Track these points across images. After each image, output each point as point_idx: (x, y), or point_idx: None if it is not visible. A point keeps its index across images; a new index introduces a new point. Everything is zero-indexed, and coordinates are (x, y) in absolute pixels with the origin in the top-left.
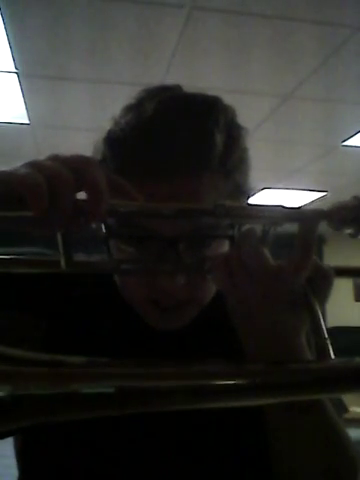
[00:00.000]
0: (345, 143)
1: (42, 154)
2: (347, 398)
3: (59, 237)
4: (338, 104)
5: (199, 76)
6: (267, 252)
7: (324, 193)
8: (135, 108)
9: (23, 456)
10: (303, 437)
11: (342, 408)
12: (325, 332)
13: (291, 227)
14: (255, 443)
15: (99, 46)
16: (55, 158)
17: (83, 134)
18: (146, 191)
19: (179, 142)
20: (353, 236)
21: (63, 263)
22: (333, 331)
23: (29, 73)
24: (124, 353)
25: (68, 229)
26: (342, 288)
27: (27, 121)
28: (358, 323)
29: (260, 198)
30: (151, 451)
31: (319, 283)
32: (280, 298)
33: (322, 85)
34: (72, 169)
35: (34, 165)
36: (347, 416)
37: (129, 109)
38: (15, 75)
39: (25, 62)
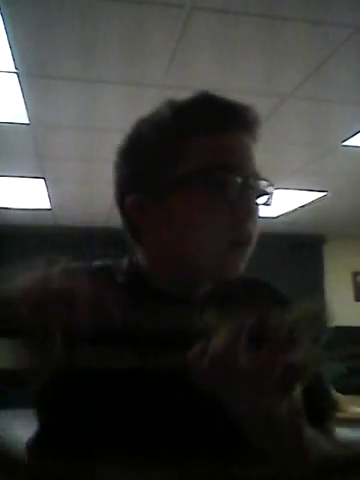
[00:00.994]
0: (345, 143)
1: (42, 154)
2: (347, 398)
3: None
4: (338, 104)
5: (199, 76)
6: (243, 348)
7: (324, 193)
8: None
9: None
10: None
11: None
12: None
13: (295, 227)
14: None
15: (99, 46)
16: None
17: (83, 134)
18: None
19: (238, 106)
20: None
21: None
22: (333, 331)
23: (29, 73)
24: (147, 325)
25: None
26: (342, 288)
27: (27, 121)
28: (358, 323)
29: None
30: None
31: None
32: (254, 387)
33: (322, 85)
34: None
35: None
36: (347, 416)
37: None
38: (15, 75)
39: (25, 62)
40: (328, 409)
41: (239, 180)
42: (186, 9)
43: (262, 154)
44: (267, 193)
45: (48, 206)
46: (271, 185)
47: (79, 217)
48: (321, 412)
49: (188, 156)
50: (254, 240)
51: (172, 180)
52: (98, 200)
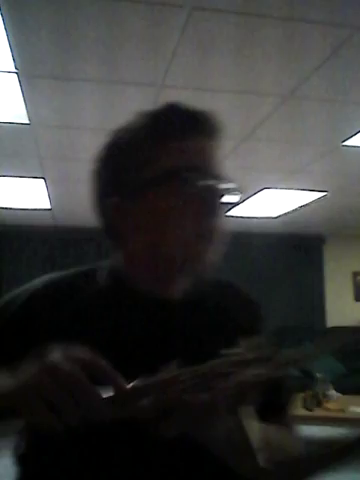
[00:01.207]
0: (345, 143)
1: (42, 154)
2: (347, 398)
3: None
4: (338, 104)
5: (199, 76)
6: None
7: (324, 193)
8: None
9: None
10: None
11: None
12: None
13: (295, 227)
14: None
15: (100, 46)
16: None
17: (83, 134)
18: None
19: (199, 114)
20: None
21: None
22: (333, 331)
23: (29, 73)
24: (132, 328)
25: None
26: (342, 288)
27: (27, 121)
28: (358, 323)
29: (260, 198)
30: None
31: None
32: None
33: (322, 85)
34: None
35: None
36: (347, 416)
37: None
38: (15, 75)
39: (25, 62)
40: (285, 404)
41: (200, 179)
42: (186, 9)
43: (262, 154)
44: (230, 193)
45: (48, 206)
46: (237, 187)
47: (79, 217)
48: (278, 407)
49: (157, 160)
50: (219, 235)
51: (144, 182)
52: None
